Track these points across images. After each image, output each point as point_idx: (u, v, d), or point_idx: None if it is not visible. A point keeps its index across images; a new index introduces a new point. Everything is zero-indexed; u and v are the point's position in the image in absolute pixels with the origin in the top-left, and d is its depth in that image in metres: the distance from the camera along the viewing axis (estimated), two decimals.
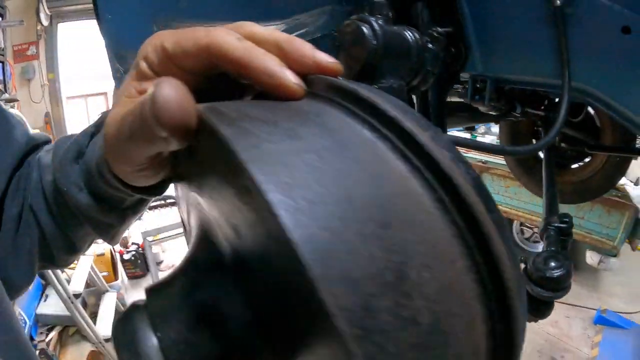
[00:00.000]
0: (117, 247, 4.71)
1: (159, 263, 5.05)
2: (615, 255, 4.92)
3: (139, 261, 4.82)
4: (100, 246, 4.40)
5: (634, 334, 4.18)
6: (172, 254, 5.33)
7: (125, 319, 0.33)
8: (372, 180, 0.26)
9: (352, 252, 0.21)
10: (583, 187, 2.77)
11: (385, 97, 0.31)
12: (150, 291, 0.35)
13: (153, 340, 0.31)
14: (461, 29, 1.06)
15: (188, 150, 0.32)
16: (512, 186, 5.18)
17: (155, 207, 5.46)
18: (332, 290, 0.19)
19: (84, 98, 12.19)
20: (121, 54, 1.04)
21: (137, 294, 4.64)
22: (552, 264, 0.88)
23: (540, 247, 5.60)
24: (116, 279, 4.47)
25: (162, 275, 4.56)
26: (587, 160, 2.64)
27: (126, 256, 4.75)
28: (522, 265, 1.04)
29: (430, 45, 0.83)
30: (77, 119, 11.69)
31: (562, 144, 2.35)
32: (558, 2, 0.85)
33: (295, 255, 0.19)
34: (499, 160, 4.70)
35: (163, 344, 0.31)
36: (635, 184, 4.97)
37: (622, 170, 2.49)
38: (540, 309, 0.93)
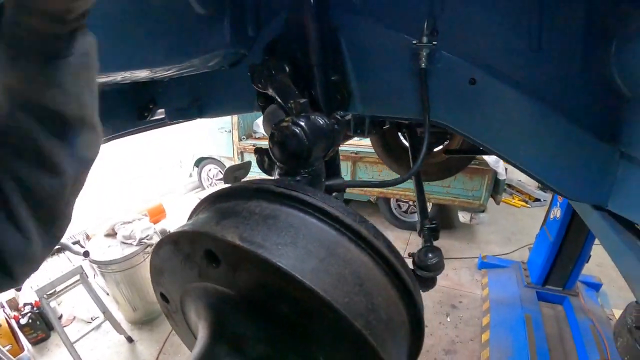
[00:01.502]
0: (10, 313, 4.15)
1: (59, 318, 4.51)
2: (483, 211, 5.89)
3: (38, 322, 4.26)
4: None
5: (514, 269, 4.98)
6: (70, 305, 4.86)
7: None
8: (344, 260, 0.70)
9: (355, 301, 0.65)
10: (445, 165, 3.34)
11: (334, 204, 0.75)
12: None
13: None
14: (345, 79, 1.32)
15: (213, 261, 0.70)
16: (385, 170, 5.82)
17: None
18: (357, 321, 0.62)
19: None
20: None
21: None
22: (430, 254, 1.30)
23: (415, 217, 6.43)
24: (21, 350, 3.96)
25: (68, 331, 4.12)
26: (446, 143, 3.20)
27: (23, 320, 4.13)
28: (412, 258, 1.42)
29: (337, 127, 1.05)
30: None
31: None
32: (423, 65, 1.15)
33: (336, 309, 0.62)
34: (370, 150, 5.36)
35: None
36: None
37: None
38: (427, 284, 1.37)
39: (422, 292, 1.31)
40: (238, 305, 0.70)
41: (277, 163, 0.95)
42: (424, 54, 1.13)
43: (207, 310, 0.75)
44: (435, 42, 1.12)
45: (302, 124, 0.90)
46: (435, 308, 4.77)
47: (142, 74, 1.20)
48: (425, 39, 1.12)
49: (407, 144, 3.27)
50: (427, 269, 1.30)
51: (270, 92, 1.20)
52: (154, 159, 9.63)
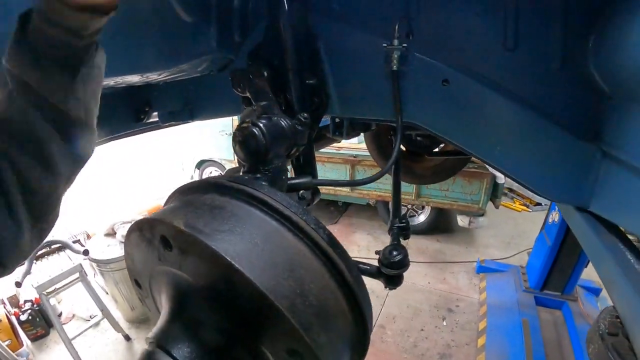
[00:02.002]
0: (11, 309, 4.21)
1: (58, 315, 4.56)
2: (482, 215, 5.88)
3: (37, 319, 4.33)
4: None
5: (512, 273, 4.95)
6: (69, 303, 4.92)
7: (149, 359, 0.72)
8: (279, 247, 0.77)
9: (282, 284, 0.70)
10: (439, 169, 3.35)
11: (279, 197, 0.80)
12: (157, 337, 0.75)
13: None
14: (323, 83, 1.37)
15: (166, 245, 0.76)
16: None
17: (42, 255, 4.97)
18: (281, 304, 0.66)
19: None
20: None
21: (46, 357, 4.24)
22: (394, 252, 1.31)
23: (415, 220, 6.45)
24: (20, 345, 4.04)
25: (67, 328, 4.16)
26: (440, 147, 3.21)
27: (23, 317, 4.20)
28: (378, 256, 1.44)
29: (299, 127, 1.13)
30: None
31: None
32: (394, 67, 1.17)
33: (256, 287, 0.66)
34: (367, 153, 5.40)
35: None
36: None
37: None
38: (394, 281, 1.36)
39: (390, 289, 1.36)
40: (189, 285, 0.77)
41: (241, 161, 1.03)
42: (396, 56, 1.15)
43: (166, 290, 0.82)
44: (405, 45, 1.15)
45: (261, 125, 0.99)
46: (432, 312, 4.76)
47: (134, 79, 1.25)
48: (396, 42, 1.14)
49: (403, 148, 3.32)
50: (392, 267, 1.30)
51: (247, 95, 1.28)
52: (155, 161, 9.72)
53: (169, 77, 1.39)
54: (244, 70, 1.31)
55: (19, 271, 3.98)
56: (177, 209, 0.84)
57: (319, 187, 1.31)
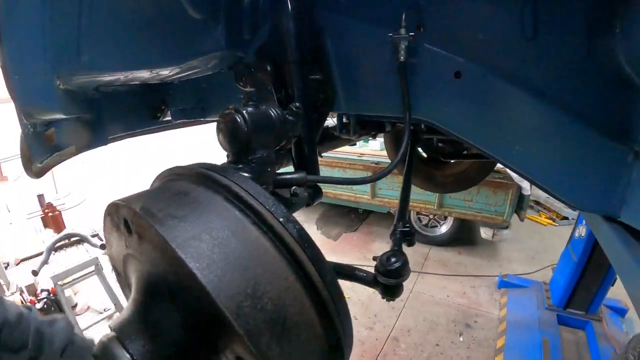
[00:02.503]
0: (27, 297, 4.32)
1: (73, 306, 4.70)
2: (507, 228, 5.69)
3: (53, 308, 4.41)
4: (10, 299, 4.04)
5: (535, 290, 4.72)
6: (85, 295, 4.99)
7: (104, 349, 0.66)
8: (237, 240, 0.65)
9: (229, 281, 0.58)
10: (463, 177, 3.20)
11: (247, 185, 0.72)
12: (117, 327, 0.69)
13: (127, 357, 0.62)
14: (330, 78, 1.30)
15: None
16: None
17: (61, 247, 5.10)
18: (225, 304, 0.55)
19: None
20: (29, 111, 1.11)
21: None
22: (393, 259, 1.18)
23: (437, 231, 6.23)
24: None
25: (80, 319, 4.25)
26: (463, 153, 3.07)
27: (38, 305, 4.29)
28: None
29: (290, 117, 1.07)
30: None
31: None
32: (402, 58, 1.09)
33: (203, 287, 0.56)
34: (389, 161, 5.26)
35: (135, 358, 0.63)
36: None
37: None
38: (392, 291, 1.22)
39: (387, 301, 1.23)
40: (148, 274, 0.71)
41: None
42: (403, 46, 1.07)
43: (132, 278, 0.78)
44: (412, 34, 1.06)
45: (244, 112, 0.93)
46: (449, 326, 4.59)
47: (144, 75, 1.24)
48: (403, 31, 1.06)
49: (424, 154, 3.19)
50: (389, 275, 1.16)
51: (248, 89, 1.24)
52: (172, 159, 9.91)
53: (181, 74, 1.37)
54: (247, 65, 1.28)
55: (37, 260, 4.11)
56: (145, 193, 0.80)
57: (318, 184, 1.23)
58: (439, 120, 1.18)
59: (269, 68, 1.23)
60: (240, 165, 0.94)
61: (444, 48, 1.09)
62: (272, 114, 1.01)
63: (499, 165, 3.75)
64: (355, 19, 1.22)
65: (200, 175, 0.79)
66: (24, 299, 4.21)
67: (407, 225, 1.47)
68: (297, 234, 0.68)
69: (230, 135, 0.94)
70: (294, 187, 1.10)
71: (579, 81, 0.96)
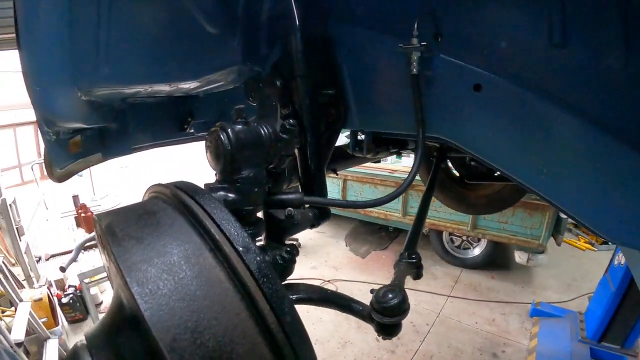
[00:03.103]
0: (55, 291, 4.50)
1: (98, 304, 4.84)
2: (542, 252, 5.36)
3: (78, 304, 4.59)
4: (37, 290, 4.20)
5: (569, 320, 4.41)
6: (111, 295, 5.10)
7: (73, 354, 0.65)
8: (189, 267, 0.59)
9: (171, 310, 0.52)
10: (496, 198, 3.00)
11: (214, 209, 0.67)
12: (89, 337, 0.68)
13: None
14: (342, 93, 1.24)
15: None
16: (438, 200, 5.41)
17: (90, 247, 5.27)
18: (159, 334, 0.51)
19: (13, 128, 11.69)
20: (49, 119, 1.14)
21: (79, 339, 4.45)
22: (389, 295, 1.05)
23: (470, 253, 5.95)
24: (56, 324, 4.25)
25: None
26: (496, 174, 2.89)
27: (64, 299, 4.50)
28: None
29: (284, 135, 1.02)
30: (6, 149, 11.31)
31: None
32: (414, 70, 1.01)
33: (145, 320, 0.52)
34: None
35: None
36: None
37: None
38: (387, 330, 1.08)
39: (383, 339, 1.10)
40: (116, 291, 0.71)
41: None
42: (415, 57, 0.99)
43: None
44: (424, 43, 0.98)
45: (229, 130, 0.89)
46: (474, 355, 4.33)
47: (163, 88, 1.25)
48: (415, 41, 0.98)
49: (456, 173, 3.02)
50: (384, 313, 1.03)
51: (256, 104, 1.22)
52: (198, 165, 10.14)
53: (202, 88, 1.38)
54: (256, 80, 1.27)
55: (67, 257, 4.27)
56: (120, 209, 0.79)
57: (329, 208, 1.16)
58: (456, 139, 1.08)
59: (278, 83, 1.21)
60: (225, 185, 0.90)
61: (461, 58, 0.99)
62: (263, 131, 0.97)
63: None
64: (370, 30, 1.15)
65: (172, 196, 0.76)
66: (50, 292, 4.36)
67: (414, 255, 1.33)
68: (256, 266, 0.61)
69: (214, 153, 0.91)
70: (288, 209, 1.03)
71: (615, 95, 0.83)
